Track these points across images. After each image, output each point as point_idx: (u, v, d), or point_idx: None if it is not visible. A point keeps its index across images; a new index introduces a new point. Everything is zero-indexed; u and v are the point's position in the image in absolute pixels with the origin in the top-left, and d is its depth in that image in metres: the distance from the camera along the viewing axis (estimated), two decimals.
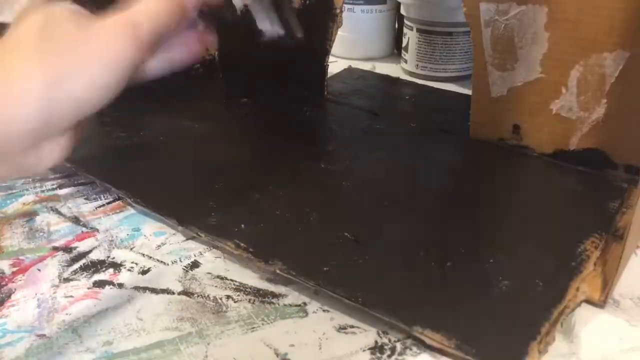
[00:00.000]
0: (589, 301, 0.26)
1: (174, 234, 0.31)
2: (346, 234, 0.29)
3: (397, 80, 0.53)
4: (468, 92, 0.40)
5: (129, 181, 0.34)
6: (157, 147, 0.38)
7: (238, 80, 0.51)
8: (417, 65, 0.54)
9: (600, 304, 0.26)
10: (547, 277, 0.26)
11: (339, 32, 0.62)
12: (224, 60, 0.52)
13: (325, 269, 0.26)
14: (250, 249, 0.28)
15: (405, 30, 0.56)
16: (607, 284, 0.25)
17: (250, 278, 0.27)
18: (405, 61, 0.56)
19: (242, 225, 0.29)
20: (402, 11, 0.56)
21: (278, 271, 0.26)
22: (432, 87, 0.51)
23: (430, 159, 0.38)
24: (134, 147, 0.38)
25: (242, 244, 0.28)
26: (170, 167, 0.36)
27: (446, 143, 0.39)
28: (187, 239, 0.30)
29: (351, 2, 0.58)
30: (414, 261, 0.27)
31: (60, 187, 0.35)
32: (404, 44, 0.56)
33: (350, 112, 0.45)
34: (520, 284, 0.25)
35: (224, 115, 0.44)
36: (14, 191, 0.35)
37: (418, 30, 0.53)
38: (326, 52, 0.46)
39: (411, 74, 0.56)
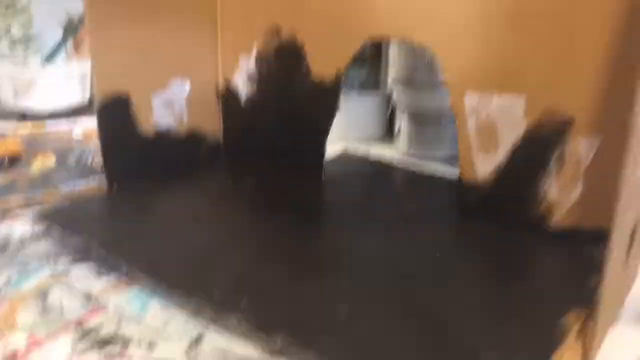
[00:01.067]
0: None
1: (179, 310, 0.32)
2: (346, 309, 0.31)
3: (389, 165, 0.56)
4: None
5: (136, 259, 0.36)
6: (161, 226, 0.41)
7: (240, 163, 0.54)
8: (409, 148, 0.58)
9: None
10: (532, 350, 0.27)
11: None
12: (228, 144, 0.55)
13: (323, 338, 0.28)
14: (253, 323, 0.29)
15: (397, 115, 0.60)
16: (587, 357, 0.27)
17: (254, 351, 0.29)
18: (399, 143, 0.60)
19: (245, 300, 0.31)
20: (394, 98, 0.60)
21: (279, 343, 0.28)
22: (423, 173, 0.54)
23: (423, 239, 0.40)
24: (140, 226, 0.41)
25: (244, 319, 0.30)
26: (178, 244, 0.38)
27: (435, 223, 0.42)
28: (193, 315, 0.32)
29: (346, 89, 0.62)
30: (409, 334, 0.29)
31: (72, 263, 0.37)
32: (396, 128, 0.60)
33: (347, 195, 0.47)
34: (507, 356, 0.27)
35: (227, 196, 0.47)
36: (28, 268, 0.37)
37: (409, 116, 0.57)
38: (325, 136, 0.49)
39: (404, 154, 0.59)
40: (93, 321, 0.31)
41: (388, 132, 0.67)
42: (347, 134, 0.64)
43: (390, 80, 0.60)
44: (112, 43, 0.44)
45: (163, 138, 0.49)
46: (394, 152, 0.61)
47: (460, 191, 0.42)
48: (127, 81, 0.45)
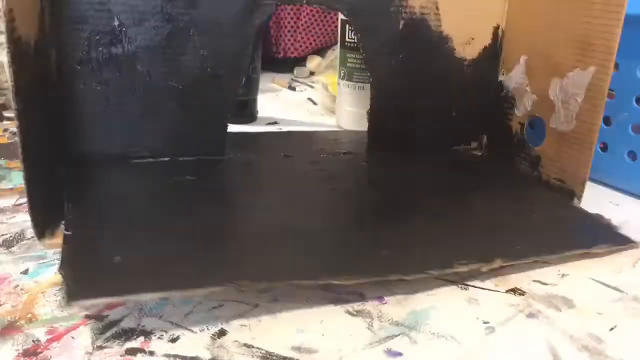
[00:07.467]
0: None
1: (200, 303, 0.32)
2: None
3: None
4: None
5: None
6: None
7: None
8: None
9: None
10: None
11: (348, 107, 0.66)
12: None
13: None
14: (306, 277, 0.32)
15: None
16: None
17: (277, 346, 0.28)
18: None
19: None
20: None
21: (344, 282, 0.31)
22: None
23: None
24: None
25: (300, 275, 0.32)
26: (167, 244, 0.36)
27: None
28: (214, 308, 0.31)
29: (361, 81, 0.62)
30: None
31: None
32: None
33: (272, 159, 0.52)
34: None
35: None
36: (45, 260, 0.36)
37: None
38: (225, 116, 0.49)
39: None
40: (113, 314, 0.31)
41: None
42: (360, 126, 0.64)
43: None
44: None
45: None
46: None
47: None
48: None
